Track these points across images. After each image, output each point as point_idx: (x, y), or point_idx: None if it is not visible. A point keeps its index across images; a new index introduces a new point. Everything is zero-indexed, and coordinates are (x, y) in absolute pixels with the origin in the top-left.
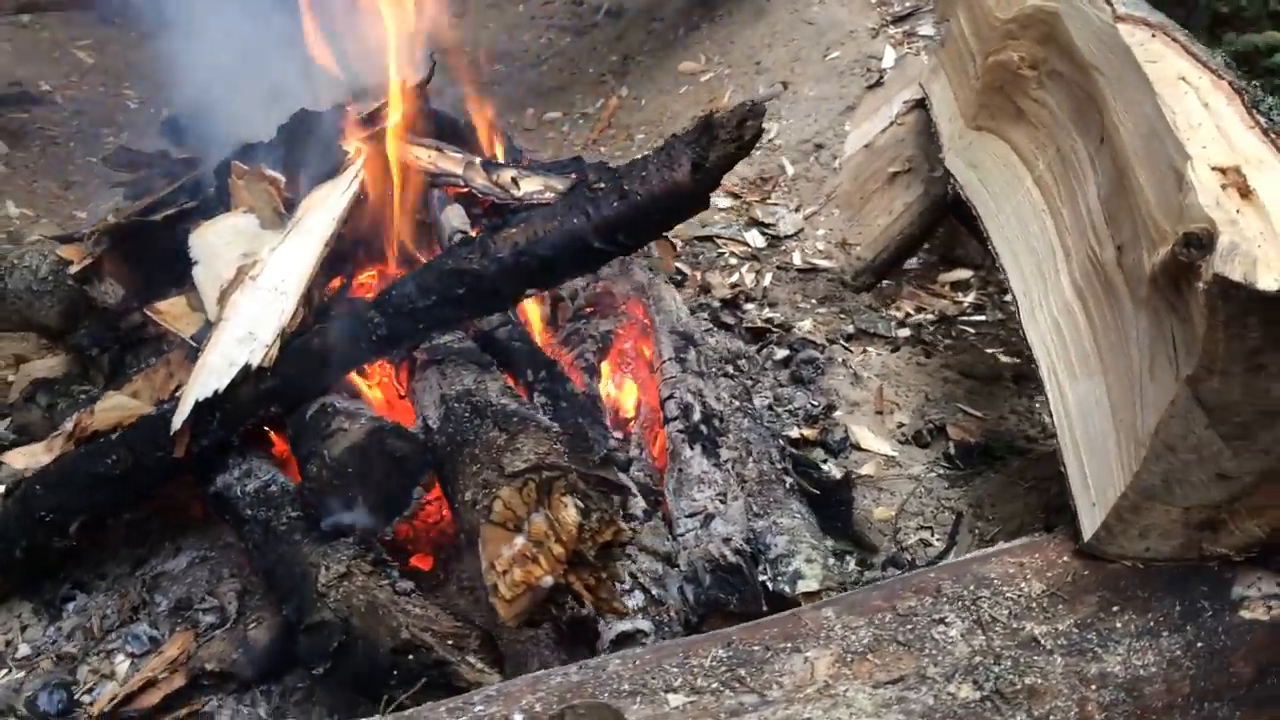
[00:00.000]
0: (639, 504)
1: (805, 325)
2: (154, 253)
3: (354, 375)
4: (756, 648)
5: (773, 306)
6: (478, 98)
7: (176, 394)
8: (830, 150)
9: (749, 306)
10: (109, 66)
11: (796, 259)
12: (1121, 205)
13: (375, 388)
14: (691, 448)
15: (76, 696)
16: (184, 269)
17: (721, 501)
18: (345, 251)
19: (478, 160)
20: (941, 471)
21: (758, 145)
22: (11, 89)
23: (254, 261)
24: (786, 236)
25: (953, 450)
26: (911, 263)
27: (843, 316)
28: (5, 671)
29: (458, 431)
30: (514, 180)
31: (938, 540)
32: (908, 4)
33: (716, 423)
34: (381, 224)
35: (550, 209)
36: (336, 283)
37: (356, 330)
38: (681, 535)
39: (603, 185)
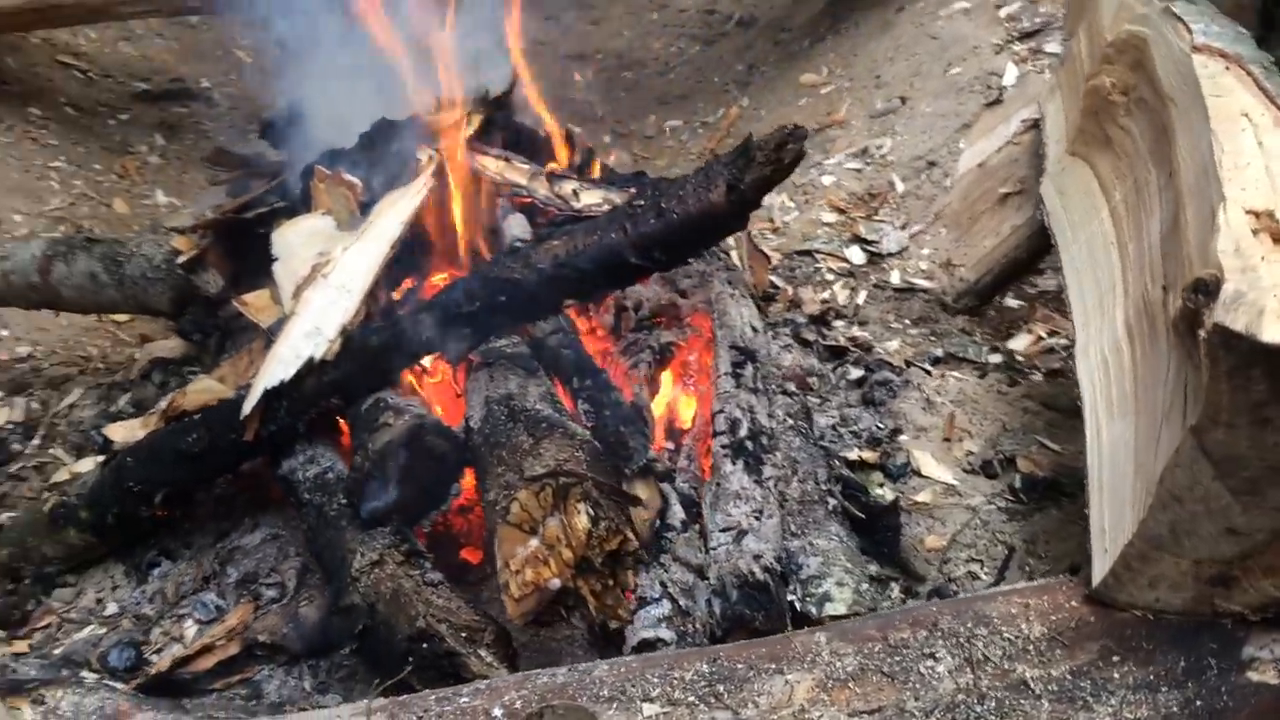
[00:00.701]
0: (678, 514)
1: (892, 345)
2: (248, 247)
3: (414, 372)
4: (740, 666)
5: (862, 325)
6: (556, 110)
7: (252, 380)
8: (943, 168)
9: (838, 324)
10: (264, 66)
11: (895, 277)
12: (1172, 243)
13: (434, 386)
14: (733, 463)
15: (145, 655)
16: (269, 264)
17: (757, 518)
18: (415, 254)
19: (544, 172)
20: (1001, 504)
21: (868, 160)
22: (173, 85)
23: (327, 260)
24: (889, 254)
25: (1018, 483)
26: (1051, 284)
27: (933, 339)
28: (91, 626)
29: (493, 433)
30: (575, 192)
31: (986, 574)
32: (1037, 20)
33: (764, 440)
34: (449, 229)
35: (592, 223)
36: (407, 283)
37: (410, 330)
38: (714, 549)
39: (642, 202)
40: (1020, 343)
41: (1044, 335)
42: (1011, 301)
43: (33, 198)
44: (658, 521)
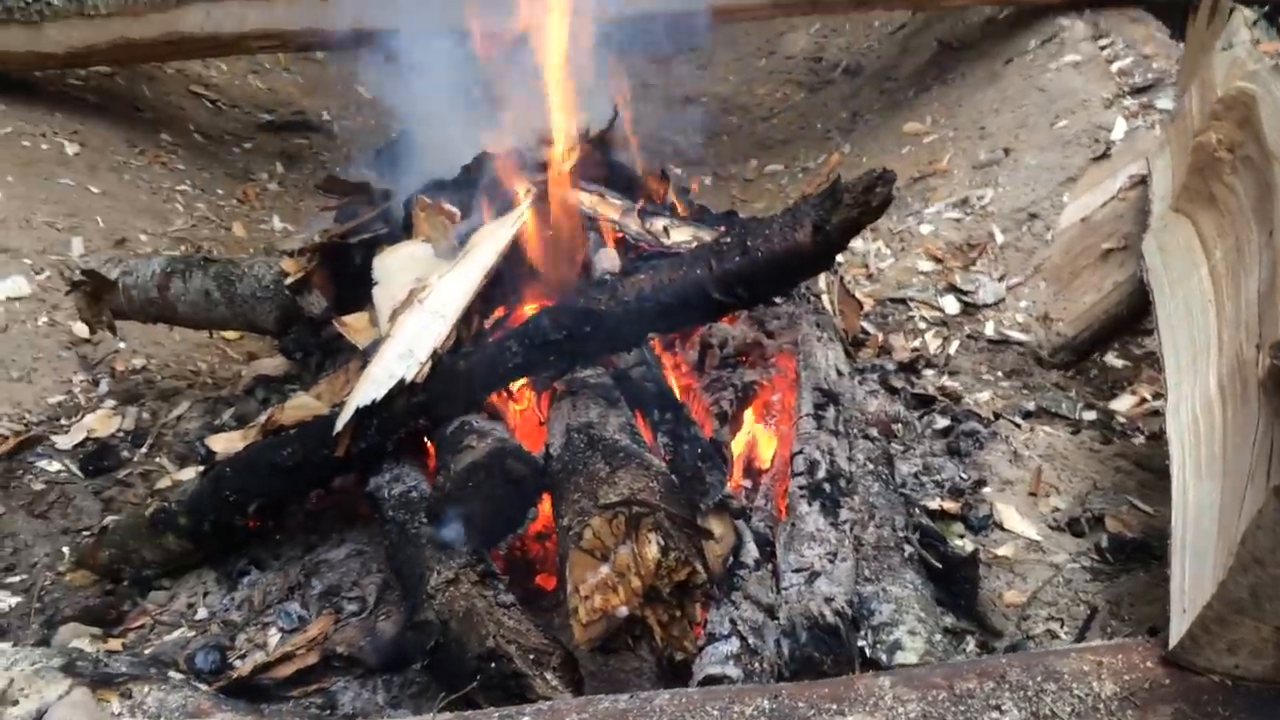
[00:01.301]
0: (751, 553)
1: (982, 397)
2: (351, 271)
3: (499, 397)
4: (801, 705)
5: (953, 375)
6: (650, 150)
7: (346, 399)
8: (1044, 221)
9: (928, 372)
10: (382, 101)
11: (990, 329)
12: (1270, 303)
13: (518, 412)
14: (809, 504)
15: (229, 659)
16: (369, 288)
17: (830, 561)
18: (508, 283)
19: (636, 208)
20: (1086, 563)
21: (969, 210)
22: (295, 116)
23: (424, 286)
24: (984, 305)
25: (1105, 542)
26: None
27: (1025, 392)
28: (182, 629)
29: (572, 460)
30: (665, 229)
31: (1066, 633)
32: (1150, 75)
33: (842, 483)
34: (542, 261)
35: (678, 258)
36: (498, 311)
37: (497, 357)
38: (785, 589)
39: (728, 240)
40: (1123, 403)
41: (1148, 397)
42: (1115, 361)
43: (159, 219)
44: (730, 558)
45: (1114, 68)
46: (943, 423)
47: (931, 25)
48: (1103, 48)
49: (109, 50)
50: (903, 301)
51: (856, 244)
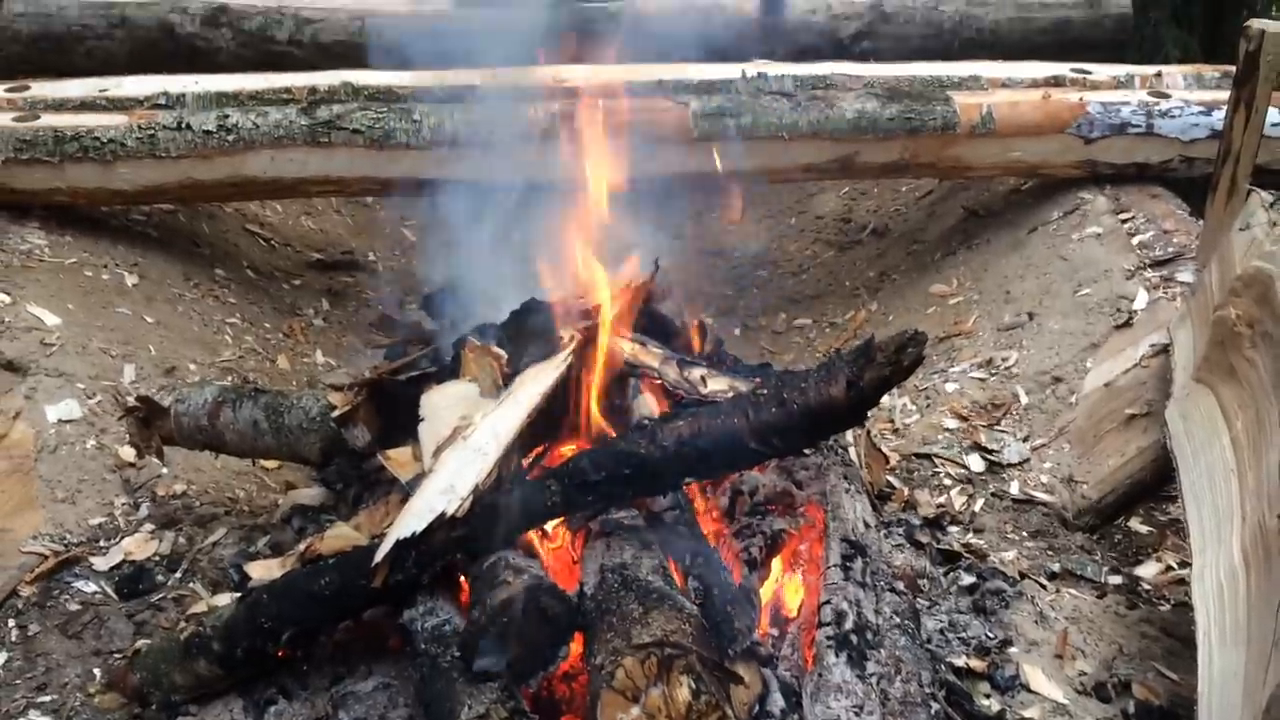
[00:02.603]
0: (777, 702)
1: (1007, 556)
2: (397, 407)
3: (536, 536)
4: None
5: (978, 532)
6: (693, 304)
7: (386, 530)
8: (1068, 385)
9: (953, 529)
10: (427, 244)
11: (1014, 488)
12: None
13: (554, 550)
14: (837, 655)
15: None
16: (414, 424)
17: (857, 714)
18: (549, 424)
19: (675, 357)
20: None
21: (993, 370)
22: (343, 256)
23: (468, 424)
24: (1009, 465)
25: (1133, 709)
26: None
27: (1050, 554)
28: None
29: (605, 600)
30: (702, 378)
31: None
32: (1170, 249)
33: (869, 635)
34: (583, 404)
35: (717, 407)
36: (539, 450)
37: (536, 496)
38: None
39: (765, 392)
40: (1149, 570)
41: (1173, 564)
42: (1139, 526)
43: (208, 349)
44: (757, 706)
45: (1135, 241)
46: (968, 580)
47: (957, 193)
48: (1123, 221)
49: (176, 190)
50: (928, 457)
51: (883, 399)
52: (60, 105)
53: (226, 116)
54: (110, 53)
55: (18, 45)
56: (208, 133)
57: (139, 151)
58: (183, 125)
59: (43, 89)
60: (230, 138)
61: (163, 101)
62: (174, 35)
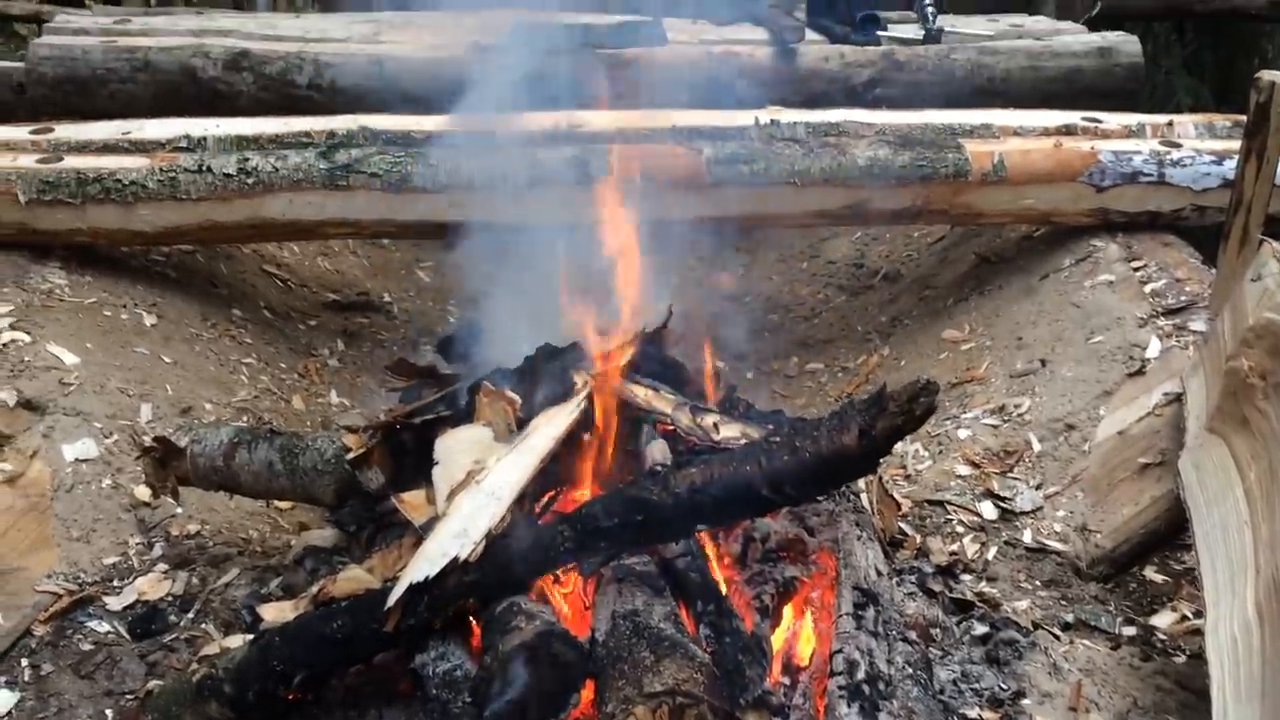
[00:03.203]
0: None
1: (1021, 605)
2: (412, 450)
3: (548, 581)
4: None
5: (991, 581)
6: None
7: (399, 574)
8: (1081, 433)
9: (965, 577)
10: (441, 287)
11: (1028, 536)
12: None
13: (565, 596)
14: (849, 705)
15: None
16: (429, 467)
17: None
18: (563, 469)
19: (688, 403)
20: None
21: (1006, 417)
22: (359, 297)
23: (482, 468)
24: (1022, 512)
25: None
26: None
27: (1064, 603)
28: None
29: (617, 647)
30: (715, 425)
31: None
32: (1182, 298)
33: (881, 685)
34: (595, 449)
35: (729, 454)
36: (551, 495)
37: (548, 541)
38: None
39: (778, 439)
40: (1163, 620)
41: (1188, 615)
42: (1154, 576)
43: (224, 389)
44: None
45: (1147, 289)
46: (981, 629)
47: (969, 239)
48: (1136, 269)
49: (196, 231)
50: (940, 504)
51: (895, 445)
52: (83, 147)
53: (247, 159)
54: (134, 96)
55: (43, 88)
56: (228, 175)
57: (160, 193)
58: (203, 168)
59: (66, 131)
60: (250, 180)
61: (184, 144)
62: (196, 79)
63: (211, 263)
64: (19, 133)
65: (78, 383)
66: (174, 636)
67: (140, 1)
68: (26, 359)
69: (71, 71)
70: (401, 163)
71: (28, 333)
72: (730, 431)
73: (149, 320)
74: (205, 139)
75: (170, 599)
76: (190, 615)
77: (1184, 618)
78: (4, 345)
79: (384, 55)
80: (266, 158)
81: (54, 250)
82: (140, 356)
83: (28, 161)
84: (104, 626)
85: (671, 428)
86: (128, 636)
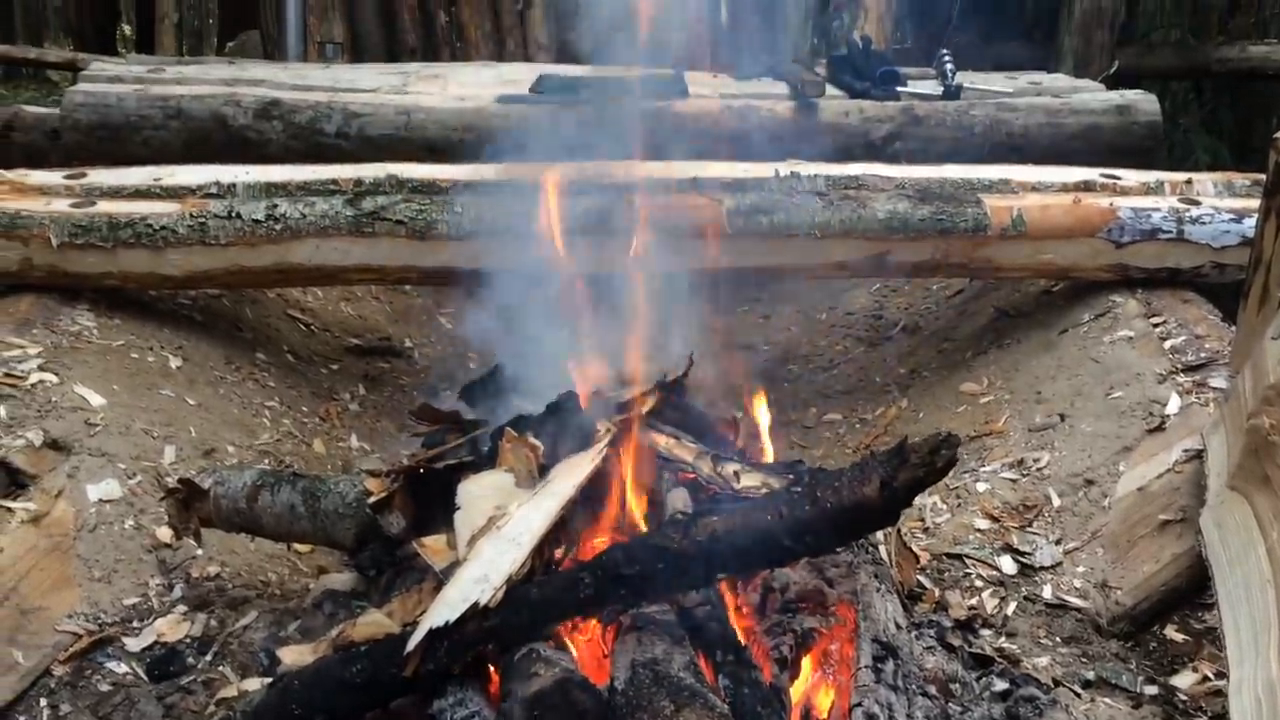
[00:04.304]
0: None
1: (1041, 662)
2: (433, 495)
3: (566, 628)
4: None
5: (1010, 637)
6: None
7: (418, 618)
8: (1101, 488)
9: (985, 632)
10: (462, 333)
11: (1047, 592)
12: None
13: (584, 643)
14: None
15: None
16: (450, 512)
17: None
18: (584, 516)
19: (709, 452)
20: None
21: (1025, 471)
22: (381, 342)
23: (503, 514)
24: (1042, 568)
25: None
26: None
27: (1084, 661)
28: None
29: (636, 696)
30: (736, 474)
31: None
32: (1202, 354)
33: None
34: (617, 496)
35: (751, 503)
36: (571, 543)
37: (570, 587)
38: None
39: (799, 489)
40: (1185, 680)
41: (1210, 675)
42: (1175, 635)
43: (246, 432)
44: None
45: (1167, 345)
46: (1001, 685)
47: (988, 293)
48: (1155, 325)
49: (223, 276)
50: (959, 557)
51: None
52: (116, 192)
53: (275, 206)
54: (165, 142)
55: (77, 134)
56: (256, 221)
57: (189, 238)
58: (233, 214)
59: (100, 176)
60: (278, 226)
61: (214, 190)
62: (227, 127)
63: (237, 307)
64: (53, 177)
65: (103, 424)
66: (192, 679)
67: (174, 51)
68: (54, 399)
69: (105, 118)
70: (426, 210)
71: (56, 374)
72: (751, 481)
73: (174, 363)
74: (235, 185)
75: (189, 641)
76: (208, 658)
77: (1205, 678)
78: (32, 386)
79: (411, 106)
80: (294, 204)
81: (83, 293)
82: (165, 398)
83: (61, 205)
84: (122, 667)
85: (693, 476)
86: (146, 678)
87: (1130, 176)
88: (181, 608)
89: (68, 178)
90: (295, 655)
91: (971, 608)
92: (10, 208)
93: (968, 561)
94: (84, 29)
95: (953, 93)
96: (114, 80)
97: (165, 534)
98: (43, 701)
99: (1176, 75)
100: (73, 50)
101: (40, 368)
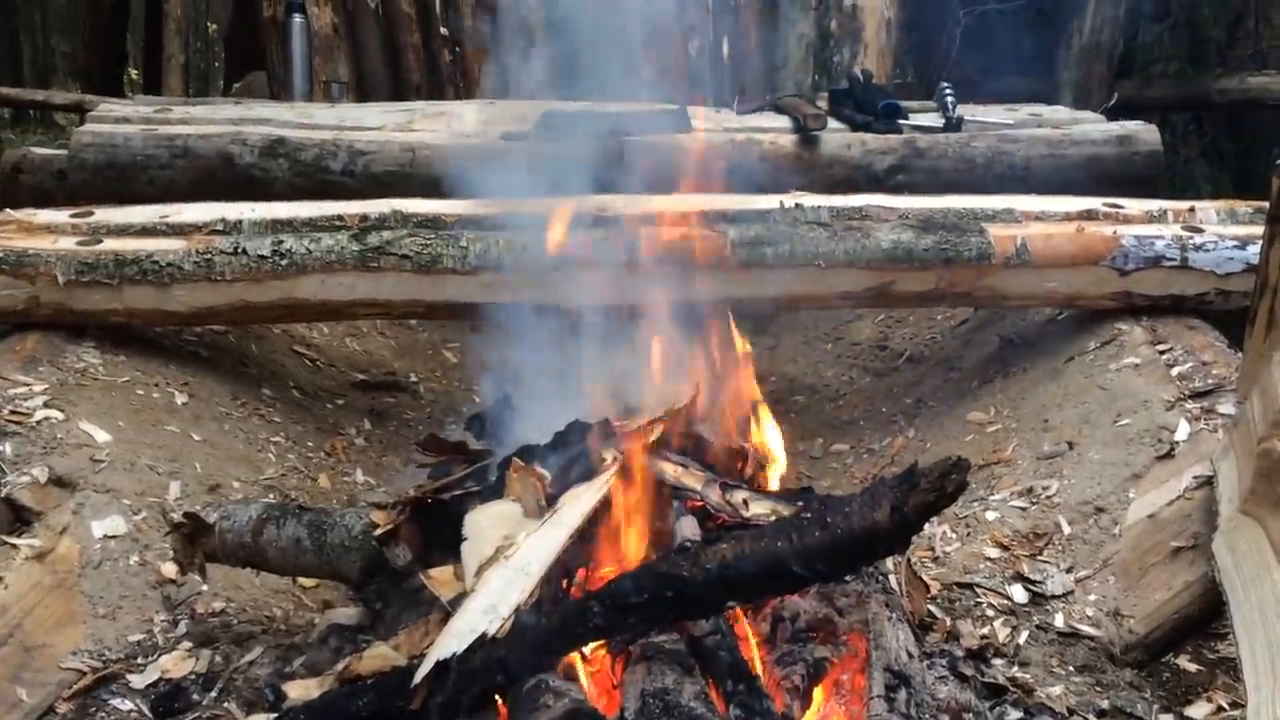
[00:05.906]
0: None
1: (1055, 691)
2: (440, 526)
3: (576, 659)
4: None
5: (1023, 666)
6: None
7: (426, 651)
8: (1111, 515)
9: (997, 662)
10: (468, 367)
11: (1059, 620)
12: None
13: (593, 674)
14: None
15: None
16: (457, 543)
17: None
18: (592, 545)
19: (718, 480)
20: None
21: (1034, 499)
22: (386, 376)
23: (511, 544)
24: (1053, 596)
25: None
26: (1233, 651)
27: (1098, 690)
28: None
29: None
30: (745, 502)
31: None
32: (1210, 381)
33: None
34: (624, 526)
35: (760, 530)
36: (580, 572)
37: (577, 617)
38: None
39: (809, 516)
40: (1199, 710)
41: (1225, 705)
42: (1189, 664)
43: (251, 467)
44: None
45: (1174, 372)
46: (1015, 715)
47: (993, 322)
48: (1161, 352)
49: (229, 312)
50: (970, 587)
51: (924, 526)
52: (122, 230)
53: (281, 241)
54: (172, 180)
55: (84, 173)
56: (262, 257)
57: (195, 274)
58: (239, 250)
59: (106, 215)
60: (283, 262)
61: (220, 227)
62: (233, 165)
63: (242, 343)
64: (60, 216)
65: (108, 460)
66: (197, 715)
67: (181, 93)
68: (59, 436)
69: (112, 158)
70: (432, 245)
71: (61, 410)
72: (760, 508)
73: (180, 399)
74: (241, 222)
75: (194, 677)
76: (213, 694)
77: (1220, 708)
78: (38, 423)
79: (416, 143)
80: (300, 239)
81: (89, 330)
82: (170, 434)
83: (68, 244)
84: (127, 704)
85: (701, 504)
86: (151, 715)
87: (1133, 205)
88: (186, 644)
89: (74, 216)
90: (301, 690)
91: (983, 637)
92: (18, 246)
93: (979, 590)
94: (92, 72)
95: (954, 125)
96: (121, 120)
97: (170, 570)
98: None
99: (1176, 107)
100: (80, 91)
101: (46, 404)
